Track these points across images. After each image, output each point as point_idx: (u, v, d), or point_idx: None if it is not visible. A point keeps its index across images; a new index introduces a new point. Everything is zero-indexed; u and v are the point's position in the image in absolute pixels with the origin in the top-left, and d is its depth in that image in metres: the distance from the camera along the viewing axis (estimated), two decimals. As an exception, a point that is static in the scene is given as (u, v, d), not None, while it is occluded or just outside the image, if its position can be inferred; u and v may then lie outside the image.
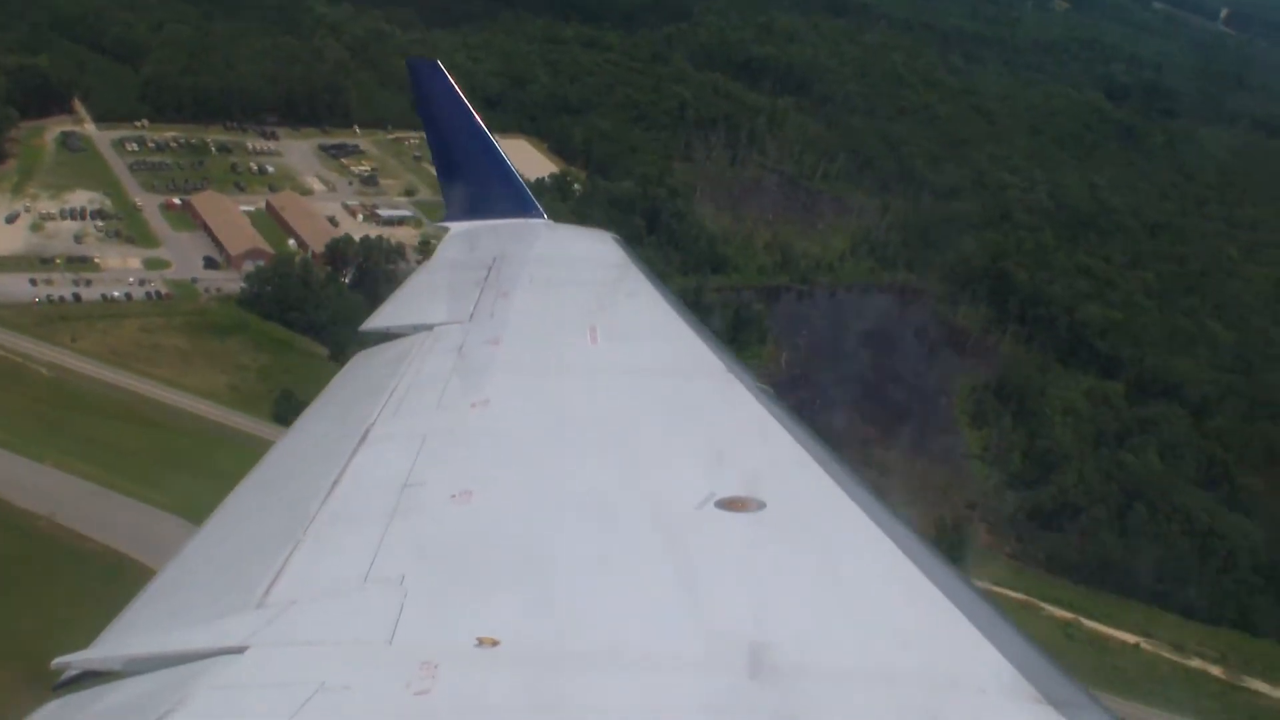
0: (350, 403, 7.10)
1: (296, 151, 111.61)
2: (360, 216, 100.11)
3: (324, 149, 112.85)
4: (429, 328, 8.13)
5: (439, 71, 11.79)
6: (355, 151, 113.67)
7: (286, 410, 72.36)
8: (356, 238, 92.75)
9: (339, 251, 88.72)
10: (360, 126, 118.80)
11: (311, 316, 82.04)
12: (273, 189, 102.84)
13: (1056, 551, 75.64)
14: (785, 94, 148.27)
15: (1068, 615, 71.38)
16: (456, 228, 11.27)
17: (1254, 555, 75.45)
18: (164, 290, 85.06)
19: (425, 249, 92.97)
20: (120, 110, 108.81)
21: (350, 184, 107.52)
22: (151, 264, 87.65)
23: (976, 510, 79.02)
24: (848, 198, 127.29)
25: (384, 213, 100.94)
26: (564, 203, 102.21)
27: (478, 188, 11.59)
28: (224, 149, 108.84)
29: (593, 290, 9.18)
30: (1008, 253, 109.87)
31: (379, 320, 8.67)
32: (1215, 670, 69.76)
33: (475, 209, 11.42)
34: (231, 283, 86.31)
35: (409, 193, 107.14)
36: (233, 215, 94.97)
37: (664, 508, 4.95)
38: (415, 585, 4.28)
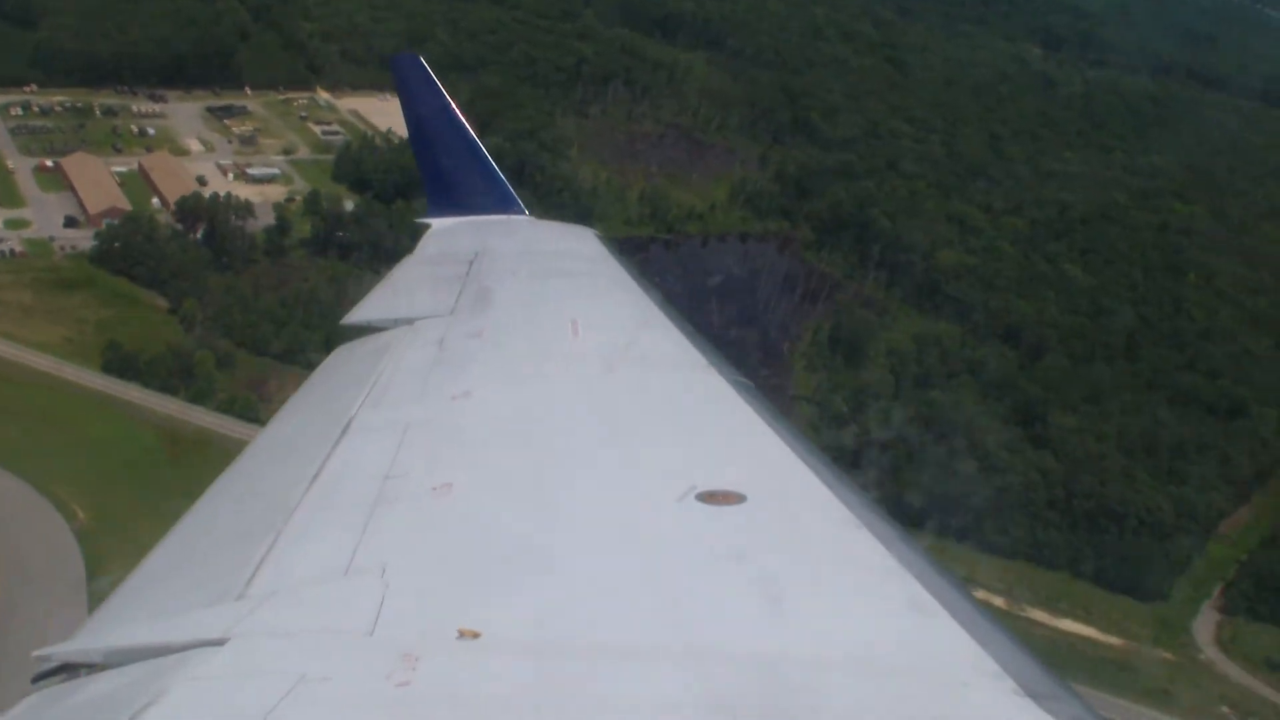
0: (331, 395, 7.14)
1: (183, 113, 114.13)
2: (231, 175, 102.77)
3: (211, 110, 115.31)
4: (410, 321, 8.20)
5: (420, 66, 12.09)
6: (241, 112, 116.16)
7: (114, 361, 76.08)
8: (222, 195, 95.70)
9: (189, 208, 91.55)
10: (253, 88, 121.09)
11: (155, 271, 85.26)
12: (150, 151, 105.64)
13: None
14: (700, 49, 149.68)
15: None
16: (438, 223, 11.43)
17: (1049, 490, 77.97)
18: (19, 249, 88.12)
19: (288, 206, 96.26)
20: (11, 75, 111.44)
21: (230, 144, 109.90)
22: (12, 223, 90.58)
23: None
24: (743, 150, 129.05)
25: (253, 171, 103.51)
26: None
27: (459, 183, 11.77)
28: (110, 112, 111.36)
29: (574, 284, 9.37)
30: (877, 200, 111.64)
31: (360, 314, 8.74)
32: (999, 600, 72.57)
33: (456, 204, 11.58)
34: (87, 240, 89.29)
35: (287, 152, 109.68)
36: (100, 176, 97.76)
37: (645, 500, 4.97)
38: (396, 577, 4.29)
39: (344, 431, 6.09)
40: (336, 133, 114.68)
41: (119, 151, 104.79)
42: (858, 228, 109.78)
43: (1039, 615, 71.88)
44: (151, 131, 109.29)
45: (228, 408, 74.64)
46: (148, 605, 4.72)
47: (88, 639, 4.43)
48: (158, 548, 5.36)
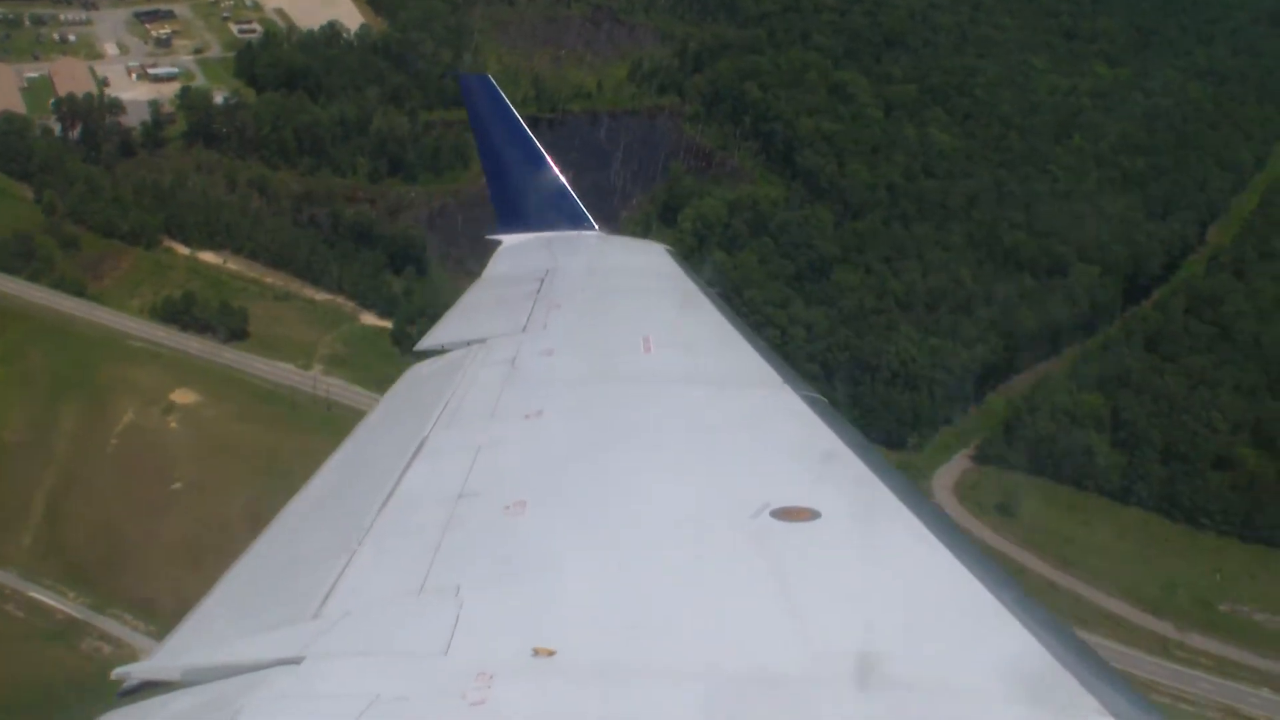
0: (405, 415, 7.24)
1: (111, 20, 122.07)
2: (135, 76, 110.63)
3: (137, 16, 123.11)
4: (482, 341, 8.22)
5: (490, 85, 12.34)
6: (166, 16, 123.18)
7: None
8: (125, 97, 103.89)
9: (65, 109, 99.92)
10: None
11: (25, 166, 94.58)
12: (65, 56, 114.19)
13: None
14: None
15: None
16: (509, 240, 11.46)
17: (810, 344, 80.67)
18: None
19: (181, 100, 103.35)
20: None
21: (146, 46, 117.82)
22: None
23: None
24: (667, 30, 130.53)
25: (155, 71, 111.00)
26: (327, 50, 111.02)
27: (529, 200, 11.84)
28: (39, 21, 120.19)
29: (645, 301, 9.30)
30: (759, 73, 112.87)
31: (434, 339, 8.77)
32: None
33: (526, 221, 11.64)
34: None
35: (198, 51, 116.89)
36: (4, 82, 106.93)
37: (719, 518, 4.94)
38: (470, 596, 4.30)
39: (417, 451, 6.11)
40: (253, 30, 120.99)
41: (37, 59, 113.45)
42: (734, 100, 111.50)
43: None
44: (73, 39, 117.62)
45: (58, 285, 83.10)
46: (225, 625, 4.77)
47: (166, 657, 4.47)
48: (234, 567, 5.39)
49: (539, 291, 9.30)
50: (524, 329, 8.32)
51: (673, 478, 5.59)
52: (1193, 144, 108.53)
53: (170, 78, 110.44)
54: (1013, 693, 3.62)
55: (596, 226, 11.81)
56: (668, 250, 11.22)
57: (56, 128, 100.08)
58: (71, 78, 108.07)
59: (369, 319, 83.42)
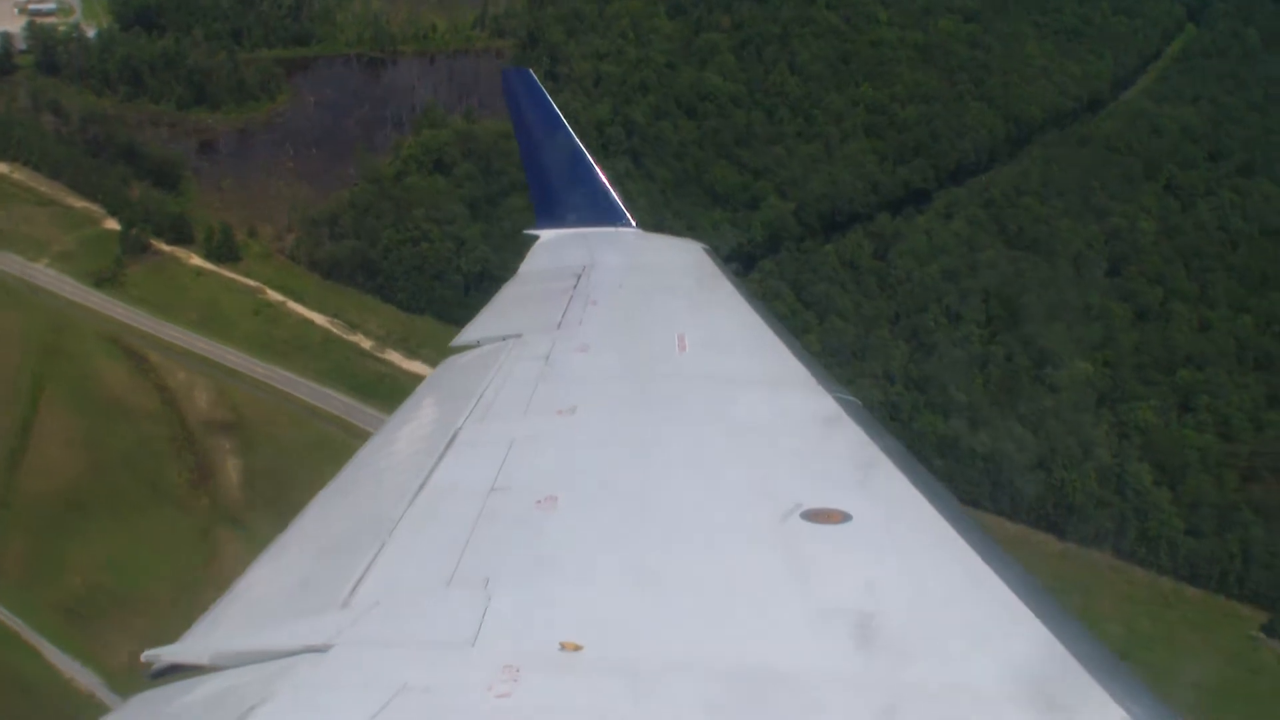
0: (438, 407, 7.28)
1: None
2: (17, 11, 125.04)
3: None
4: (518, 336, 8.20)
5: (531, 79, 12.64)
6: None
7: None
8: (10, 29, 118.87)
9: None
10: None
11: None
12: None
13: (324, 256, 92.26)
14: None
15: (280, 297, 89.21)
16: (546, 235, 11.60)
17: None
18: None
19: (27, 32, 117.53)
20: None
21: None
22: None
23: (291, 223, 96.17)
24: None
25: (34, 7, 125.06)
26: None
27: (567, 195, 11.97)
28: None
29: (681, 299, 9.38)
30: (574, 18, 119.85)
31: (470, 334, 8.73)
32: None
33: (564, 217, 11.78)
34: None
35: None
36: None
37: (749, 518, 4.92)
38: (499, 589, 4.31)
39: (450, 444, 6.10)
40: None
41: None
42: (547, 43, 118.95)
43: (394, 356, 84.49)
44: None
45: None
46: (254, 611, 4.83)
47: (195, 642, 4.51)
48: (264, 554, 5.44)
49: (575, 288, 9.32)
50: (559, 325, 8.32)
51: (704, 477, 5.51)
52: (973, 95, 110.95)
53: (50, 13, 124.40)
54: (1039, 706, 3.55)
55: (634, 223, 11.77)
56: (704, 249, 11.10)
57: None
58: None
59: (110, 224, 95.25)
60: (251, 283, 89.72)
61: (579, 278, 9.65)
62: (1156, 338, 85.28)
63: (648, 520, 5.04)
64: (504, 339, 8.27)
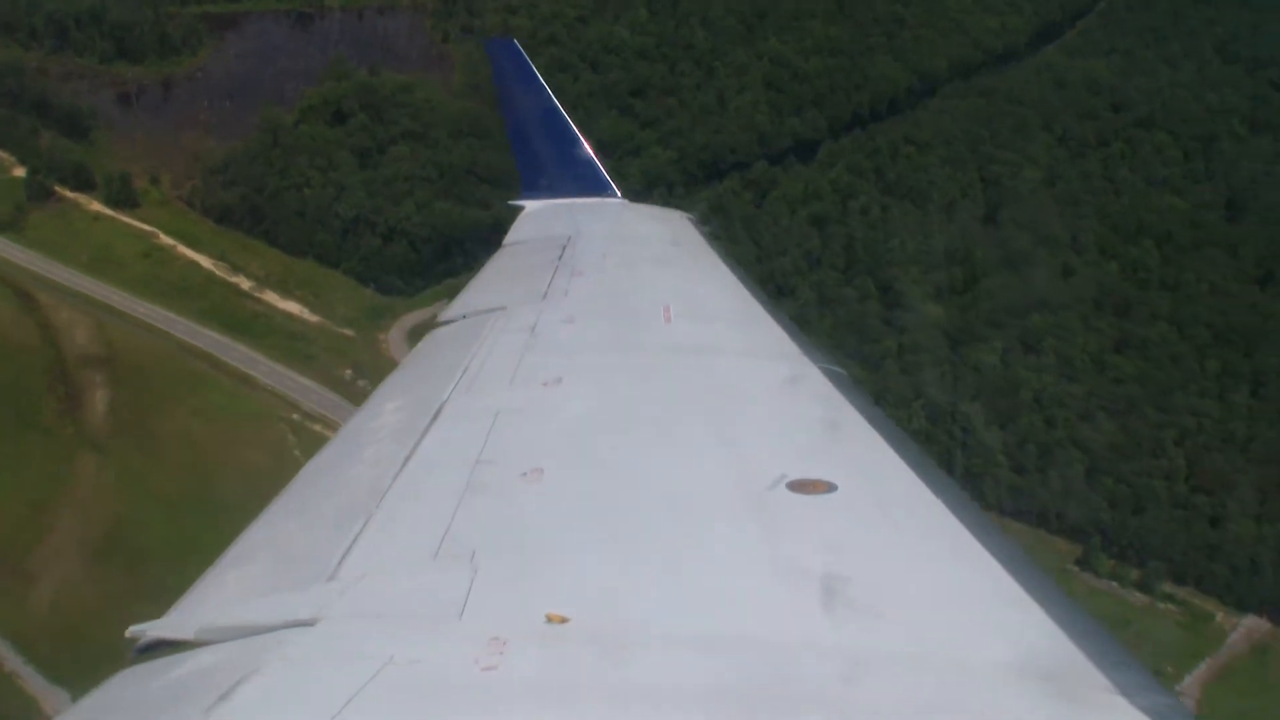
0: (423, 380, 7.24)
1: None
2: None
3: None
4: (503, 308, 8.21)
5: (516, 50, 12.72)
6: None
7: None
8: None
9: None
10: None
11: None
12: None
13: (216, 202, 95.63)
14: None
15: (172, 241, 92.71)
16: (531, 206, 11.65)
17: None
18: None
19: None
20: None
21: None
22: None
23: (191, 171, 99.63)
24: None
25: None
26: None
27: (553, 166, 12.01)
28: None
29: (667, 270, 9.37)
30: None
31: (456, 309, 8.72)
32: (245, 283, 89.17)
33: (550, 187, 11.80)
34: None
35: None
36: None
37: (735, 488, 4.98)
38: (485, 561, 4.34)
39: (435, 417, 6.13)
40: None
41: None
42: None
43: (270, 295, 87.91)
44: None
45: None
46: (240, 585, 4.85)
47: (180, 616, 4.53)
48: (250, 528, 5.45)
49: (560, 259, 9.30)
50: (544, 296, 8.31)
51: (690, 448, 5.53)
52: (884, 49, 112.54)
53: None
54: (1025, 672, 3.60)
55: (620, 194, 11.81)
56: (690, 218, 11.16)
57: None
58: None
59: (19, 172, 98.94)
60: (147, 228, 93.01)
61: (564, 249, 9.67)
62: (1016, 282, 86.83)
63: (634, 492, 5.07)
64: (489, 311, 8.26)
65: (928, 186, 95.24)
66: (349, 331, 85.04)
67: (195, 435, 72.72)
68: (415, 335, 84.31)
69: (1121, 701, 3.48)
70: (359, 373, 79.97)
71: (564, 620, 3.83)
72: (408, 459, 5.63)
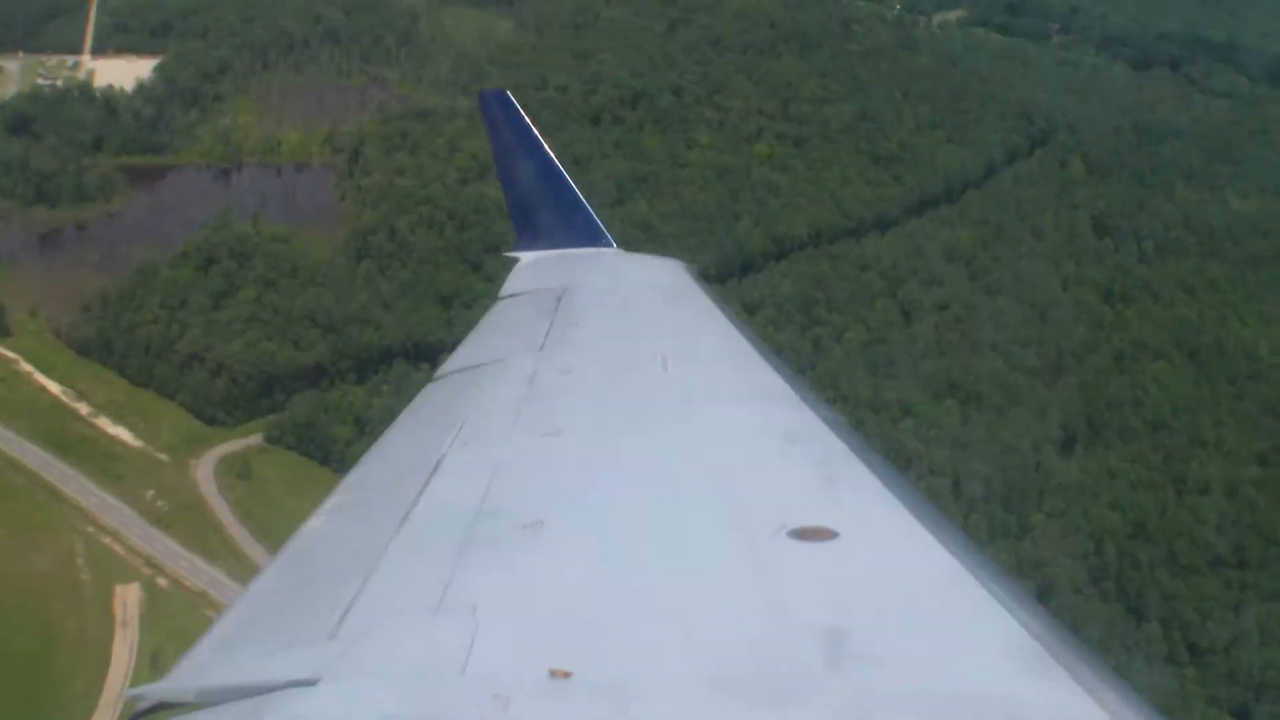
0: (422, 433, 7.27)
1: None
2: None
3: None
4: (500, 360, 8.25)
5: (509, 102, 12.48)
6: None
7: None
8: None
9: None
10: (29, 51, 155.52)
11: None
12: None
13: (79, 335, 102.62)
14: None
15: (30, 368, 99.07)
16: (526, 258, 11.62)
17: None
18: None
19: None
20: None
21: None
22: None
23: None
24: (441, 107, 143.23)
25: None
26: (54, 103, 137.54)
27: (547, 217, 12.00)
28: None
29: (663, 318, 9.44)
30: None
31: (454, 362, 8.73)
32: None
33: (545, 238, 11.82)
34: None
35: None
36: None
37: (736, 537, 4.98)
38: (487, 616, 4.32)
39: (435, 470, 6.14)
40: (54, 84, 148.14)
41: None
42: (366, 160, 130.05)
43: (103, 422, 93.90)
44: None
45: None
46: (241, 644, 4.80)
47: (181, 678, 4.49)
48: (251, 585, 5.42)
49: (556, 309, 9.35)
50: (542, 347, 8.33)
51: (691, 497, 5.54)
52: (752, 215, 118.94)
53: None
54: (1032, 715, 3.60)
55: (614, 243, 11.81)
56: (685, 267, 11.15)
57: None
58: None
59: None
60: (10, 354, 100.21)
61: (560, 299, 9.69)
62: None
63: (635, 542, 5.07)
64: (487, 364, 8.28)
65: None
66: (164, 456, 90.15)
67: (-10, 539, 77.76)
68: (225, 463, 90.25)
69: None
70: (160, 494, 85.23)
71: (567, 675, 3.81)
72: (407, 513, 5.63)
